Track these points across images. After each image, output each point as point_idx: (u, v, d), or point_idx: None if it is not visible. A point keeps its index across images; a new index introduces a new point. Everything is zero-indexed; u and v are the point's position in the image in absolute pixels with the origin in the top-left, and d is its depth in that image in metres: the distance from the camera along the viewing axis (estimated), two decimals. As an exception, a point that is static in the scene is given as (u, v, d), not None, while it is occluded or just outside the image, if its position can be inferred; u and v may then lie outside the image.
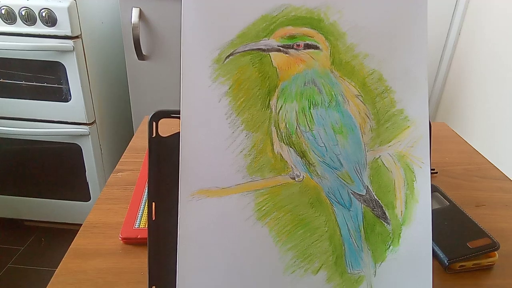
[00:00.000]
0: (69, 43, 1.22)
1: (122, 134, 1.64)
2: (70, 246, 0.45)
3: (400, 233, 0.35)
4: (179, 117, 0.33)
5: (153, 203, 0.36)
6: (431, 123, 0.37)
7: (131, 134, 1.56)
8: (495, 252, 0.45)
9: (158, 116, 0.36)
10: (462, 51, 1.72)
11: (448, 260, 0.44)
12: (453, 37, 1.73)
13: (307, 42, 0.34)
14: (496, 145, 1.38)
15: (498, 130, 1.38)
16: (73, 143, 1.38)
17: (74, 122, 1.35)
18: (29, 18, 1.18)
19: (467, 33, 1.69)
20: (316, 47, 0.34)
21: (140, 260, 0.44)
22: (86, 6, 1.27)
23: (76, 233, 0.48)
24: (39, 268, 1.41)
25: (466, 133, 1.57)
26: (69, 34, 1.21)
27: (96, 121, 1.39)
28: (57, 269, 0.42)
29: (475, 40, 1.61)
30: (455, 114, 1.72)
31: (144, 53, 1.31)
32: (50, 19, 1.19)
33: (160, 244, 0.36)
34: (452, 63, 1.78)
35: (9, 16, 1.19)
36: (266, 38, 0.33)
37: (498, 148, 1.36)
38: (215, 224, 0.33)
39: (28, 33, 1.21)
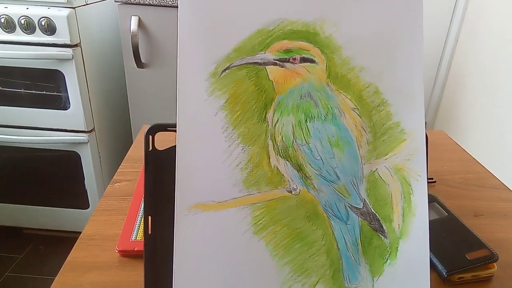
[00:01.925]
0: (68, 52, 1.22)
1: (121, 141, 1.64)
2: (67, 259, 0.45)
3: (397, 246, 0.35)
4: (175, 131, 0.33)
5: (149, 217, 0.36)
6: (429, 132, 0.37)
7: (130, 142, 1.56)
8: (494, 263, 0.45)
9: (154, 129, 0.36)
10: (460, 58, 1.72)
11: (446, 272, 0.44)
12: (451, 44, 1.74)
13: (303, 55, 0.34)
14: (495, 153, 1.38)
15: (497, 137, 1.38)
16: (72, 151, 1.38)
17: (73, 130, 1.35)
18: (28, 26, 1.19)
19: (465, 40, 1.69)
20: (312, 61, 0.34)
21: (137, 273, 0.44)
22: (85, 14, 1.27)
23: (75, 242, 0.47)
24: (38, 276, 1.41)
25: (465, 141, 1.57)
26: (68, 42, 1.22)
27: (95, 129, 1.39)
28: (53, 283, 0.42)
29: (473, 47, 1.62)
30: (454, 122, 1.72)
31: (143, 61, 1.31)
32: (49, 28, 1.19)
33: (156, 258, 0.36)
34: (450, 70, 1.79)
35: (9, 25, 1.19)
36: (262, 52, 0.33)
37: (497, 156, 1.36)
38: (212, 238, 0.33)
39: (28, 41, 1.21)
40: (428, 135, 0.36)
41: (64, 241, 1.55)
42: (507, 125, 1.33)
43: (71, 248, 0.46)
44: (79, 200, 1.48)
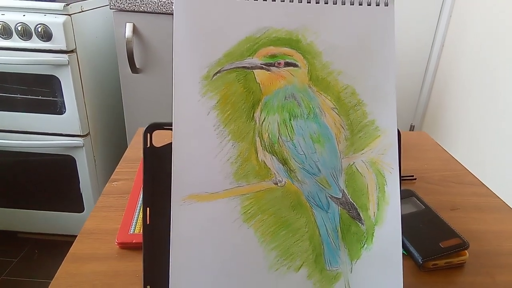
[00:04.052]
0: (64, 57, 1.25)
1: (116, 145, 1.66)
2: (69, 251, 0.48)
3: (373, 232, 0.38)
4: (171, 129, 0.36)
5: (148, 208, 0.39)
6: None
7: (124, 146, 1.58)
8: (466, 251, 0.49)
9: (152, 128, 0.39)
10: (446, 63, 1.78)
11: (422, 259, 0.47)
12: (437, 49, 1.79)
13: (287, 60, 0.38)
14: (477, 153, 1.42)
15: (479, 138, 1.43)
16: (67, 154, 1.40)
17: (69, 134, 1.37)
18: (25, 33, 1.22)
19: (451, 45, 1.75)
20: (295, 65, 0.38)
21: (135, 263, 0.47)
22: (81, 21, 1.30)
23: (70, 245, 0.50)
24: (33, 280, 1.42)
25: (450, 142, 1.62)
26: (64, 48, 1.24)
27: (90, 133, 1.41)
28: (56, 273, 0.45)
29: (459, 53, 1.67)
30: (440, 125, 1.77)
31: (137, 66, 1.34)
32: (46, 34, 1.22)
33: (154, 246, 0.39)
34: (437, 75, 1.84)
35: (6, 32, 1.22)
36: (250, 57, 0.37)
37: (480, 155, 1.41)
38: (205, 226, 0.36)
39: (24, 47, 1.24)
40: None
41: (59, 244, 1.56)
42: (490, 127, 1.38)
43: (67, 252, 0.48)
44: (74, 203, 1.49)
